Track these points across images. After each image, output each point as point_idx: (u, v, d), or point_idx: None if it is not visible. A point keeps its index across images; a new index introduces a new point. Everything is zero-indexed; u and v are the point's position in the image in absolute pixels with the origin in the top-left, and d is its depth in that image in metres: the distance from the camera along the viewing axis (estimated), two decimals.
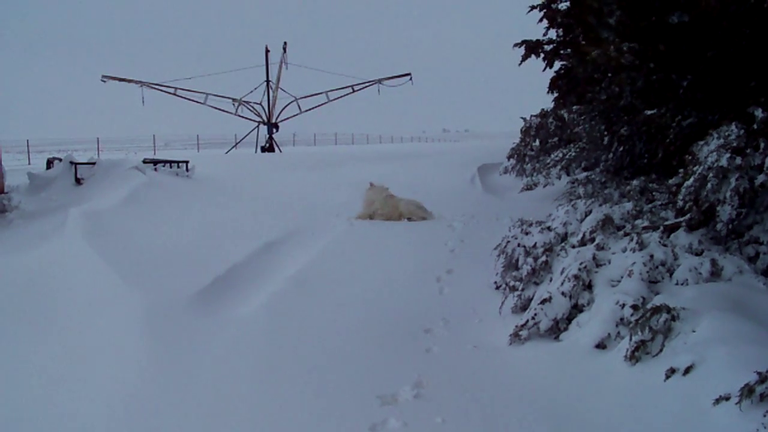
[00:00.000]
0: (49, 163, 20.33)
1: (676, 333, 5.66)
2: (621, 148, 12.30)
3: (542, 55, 18.43)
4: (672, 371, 5.18)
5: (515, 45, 18.75)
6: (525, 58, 18.63)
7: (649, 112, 9.93)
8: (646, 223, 8.00)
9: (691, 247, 7.17)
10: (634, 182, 10.05)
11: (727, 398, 4.50)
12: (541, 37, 18.44)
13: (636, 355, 5.66)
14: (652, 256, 6.93)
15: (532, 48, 18.42)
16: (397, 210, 14.60)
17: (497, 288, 8.63)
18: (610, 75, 11.49)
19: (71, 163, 18.18)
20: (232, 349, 6.86)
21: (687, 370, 5.09)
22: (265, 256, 10.75)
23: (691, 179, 6.97)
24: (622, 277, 6.87)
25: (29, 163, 32.21)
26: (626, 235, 7.74)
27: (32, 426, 5.53)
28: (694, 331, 5.57)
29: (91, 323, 7.40)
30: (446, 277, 9.50)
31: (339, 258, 10.65)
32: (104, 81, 43.57)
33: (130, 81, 44.39)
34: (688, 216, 7.26)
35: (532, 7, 17.96)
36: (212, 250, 10.70)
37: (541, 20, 17.70)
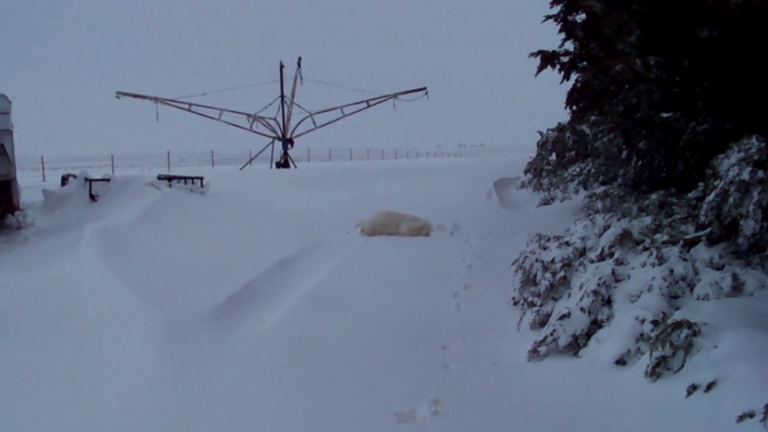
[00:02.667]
0: (64, 180, 20.49)
1: (697, 349, 5.61)
2: (639, 162, 12.23)
3: (558, 66, 18.34)
4: (694, 388, 5.15)
5: (531, 54, 18.67)
6: (541, 69, 18.53)
7: (665, 115, 9.85)
8: (665, 238, 7.92)
9: (711, 261, 7.09)
10: (653, 196, 9.98)
11: (751, 415, 4.46)
12: (557, 49, 18.37)
13: (657, 371, 5.61)
14: (671, 271, 6.86)
15: (548, 59, 18.32)
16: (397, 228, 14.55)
17: (515, 304, 8.57)
18: (626, 87, 11.42)
19: (86, 179, 18.32)
20: (247, 366, 6.84)
21: (709, 387, 5.05)
22: (280, 272, 10.74)
23: (713, 194, 6.90)
24: (641, 292, 6.81)
25: (44, 180, 32.49)
26: (645, 249, 7.67)
27: None
28: (715, 347, 5.52)
29: (106, 340, 7.41)
30: (463, 293, 9.44)
31: (354, 274, 10.62)
32: (119, 97, 44.02)
33: (144, 97, 44.82)
34: (708, 230, 7.17)
35: (547, 17, 17.92)
36: (228, 267, 10.71)
37: (560, 32, 17.65)
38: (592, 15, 12.96)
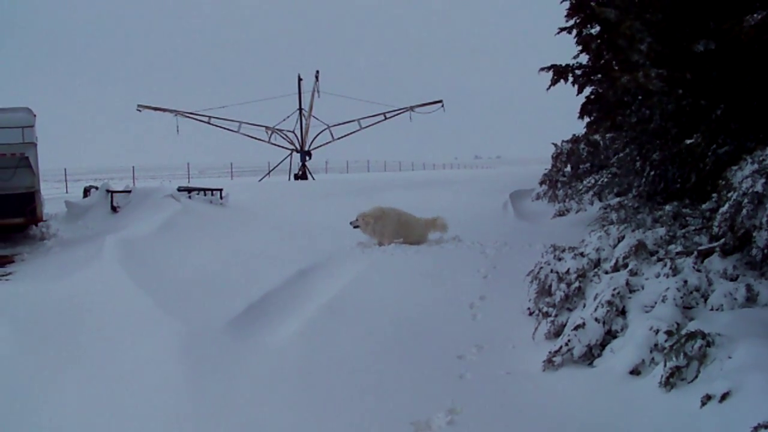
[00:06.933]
0: (86, 192, 20.75)
1: (711, 359, 5.61)
2: (653, 173, 12.21)
3: (572, 79, 18.34)
4: (708, 398, 5.14)
5: (542, 69, 18.64)
6: (554, 83, 18.51)
7: (688, 142, 9.84)
8: (679, 249, 7.94)
9: (725, 272, 7.09)
10: (667, 207, 9.95)
11: (766, 426, 4.43)
12: (570, 61, 18.36)
13: (671, 381, 5.62)
14: (686, 282, 6.88)
15: (560, 72, 18.31)
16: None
17: (530, 314, 8.60)
18: (640, 98, 11.46)
19: (107, 191, 18.57)
20: (266, 376, 6.91)
21: (723, 397, 5.04)
22: (298, 282, 10.81)
23: (726, 205, 6.90)
24: (655, 303, 6.82)
25: (67, 192, 32.78)
26: (660, 260, 7.69)
27: None
28: (730, 358, 5.52)
29: (127, 350, 7.50)
30: (479, 303, 9.48)
31: (371, 285, 10.67)
32: (140, 110, 44.46)
33: (164, 110, 45.19)
34: (722, 241, 7.18)
35: (561, 29, 17.95)
36: (246, 277, 10.80)
37: (578, 45, 17.67)
38: (607, 23, 13.01)
